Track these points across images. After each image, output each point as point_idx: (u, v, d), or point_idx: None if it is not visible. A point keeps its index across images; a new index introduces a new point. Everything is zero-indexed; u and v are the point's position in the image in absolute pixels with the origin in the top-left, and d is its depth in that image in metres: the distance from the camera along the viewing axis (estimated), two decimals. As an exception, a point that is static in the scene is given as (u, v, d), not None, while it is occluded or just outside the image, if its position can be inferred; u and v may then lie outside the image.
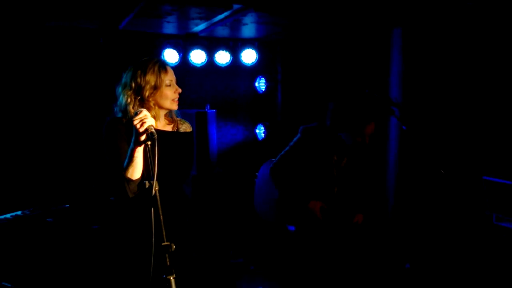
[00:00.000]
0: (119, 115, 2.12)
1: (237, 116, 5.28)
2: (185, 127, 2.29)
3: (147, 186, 1.77)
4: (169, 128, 2.23)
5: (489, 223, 3.40)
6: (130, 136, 2.00)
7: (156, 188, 1.75)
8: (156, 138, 1.82)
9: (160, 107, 2.14)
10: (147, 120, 1.89)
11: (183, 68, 4.67)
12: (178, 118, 2.29)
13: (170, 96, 2.13)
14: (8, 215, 3.18)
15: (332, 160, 3.08)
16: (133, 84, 2.09)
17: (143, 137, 1.88)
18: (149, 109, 2.07)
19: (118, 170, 1.99)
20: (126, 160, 1.97)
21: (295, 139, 3.17)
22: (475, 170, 3.66)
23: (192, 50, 4.57)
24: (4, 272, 2.99)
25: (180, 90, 2.18)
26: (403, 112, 3.38)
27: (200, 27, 4.22)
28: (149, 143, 1.83)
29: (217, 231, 4.48)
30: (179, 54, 4.48)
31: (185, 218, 2.25)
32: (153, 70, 2.10)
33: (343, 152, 3.10)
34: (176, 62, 4.49)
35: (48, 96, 4.08)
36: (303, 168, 3.12)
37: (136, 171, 1.97)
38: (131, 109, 2.07)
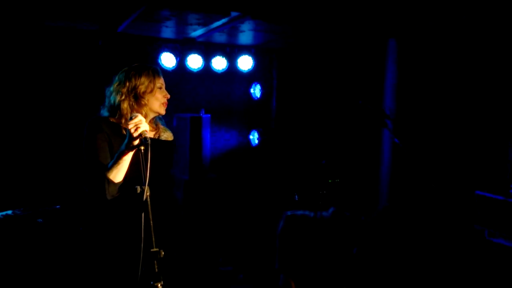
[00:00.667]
0: (105, 114, 2.14)
1: (232, 122, 5.29)
2: (167, 136, 2.31)
3: (138, 191, 1.78)
4: (151, 134, 2.22)
5: (482, 238, 3.41)
6: (114, 136, 2.02)
7: (148, 194, 1.76)
8: (149, 143, 1.83)
9: (150, 109, 2.17)
10: (141, 125, 1.91)
11: (180, 73, 4.69)
12: (162, 126, 2.32)
13: (160, 99, 2.18)
14: (-2, 214, 3.17)
15: None
16: (127, 83, 2.13)
17: (136, 142, 1.89)
18: (139, 111, 2.11)
19: (98, 169, 1.99)
20: (112, 161, 1.98)
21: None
22: (467, 185, 3.69)
23: (189, 55, 4.59)
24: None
25: (168, 96, 2.23)
26: (395, 125, 3.42)
27: (197, 32, 4.24)
28: (142, 148, 1.84)
29: (207, 237, 4.48)
30: (176, 59, 4.50)
31: (174, 223, 2.25)
32: (148, 73, 2.17)
33: None
34: (173, 67, 4.51)
35: (44, 95, 4.08)
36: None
37: (119, 173, 1.98)
38: (124, 106, 2.10)
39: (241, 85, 5.25)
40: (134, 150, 1.94)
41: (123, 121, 2.10)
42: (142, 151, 1.83)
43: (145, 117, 2.13)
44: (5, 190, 3.75)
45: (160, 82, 2.21)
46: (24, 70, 4.01)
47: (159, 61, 4.45)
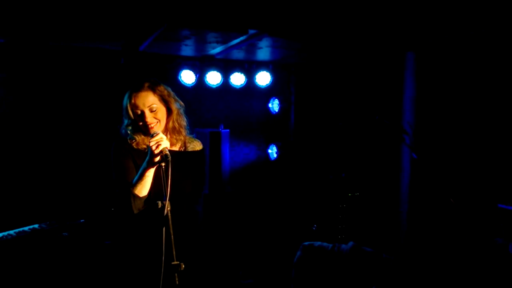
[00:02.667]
0: (127, 135, 2.21)
1: (250, 136, 5.35)
2: (193, 146, 2.33)
3: (159, 206, 1.84)
4: (175, 147, 2.27)
5: (505, 252, 3.35)
6: (138, 155, 2.11)
7: (168, 209, 1.81)
8: (170, 160, 1.90)
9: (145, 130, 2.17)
10: (162, 142, 1.97)
11: (199, 89, 4.79)
12: (188, 137, 2.33)
13: (142, 125, 2.15)
14: (26, 228, 3.28)
15: None
16: (123, 107, 2.19)
17: (157, 159, 1.96)
18: (140, 131, 2.17)
19: (125, 186, 2.07)
20: (136, 177, 2.05)
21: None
22: (490, 198, 3.64)
23: (208, 71, 4.69)
24: (19, 284, 3.07)
25: (147, 120, 2.13)
26: (414, 140, 3.40)
27: (216, 50, 4.34)
28: (163, 164, 1.91)
29: (227, 250, 4.51)
30: (196, 75, 4.60)
31: (195, 237, 2.29)
32: (125, 95, 2.17)
33: None
34: (192, 83, 4.62)
35: (69, 113, 4.23)
36: None
37: (144, 188, 2.05)
38: (128, 131, 2.18)
39: (260, 100, 5.32)
40: (156, 166, 2.00)
41: (140, 141, 2.18)
42: (163, 167, 1.90)
43: (164, 131, 2.20)
44: (32, 205, 3.88)
45: (134, 101, 2.13)
46: (52, 89, 4.17)
47: (179, 78, 4.56)
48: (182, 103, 2.29)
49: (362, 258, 3.04)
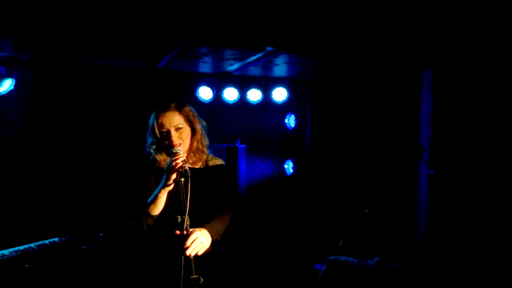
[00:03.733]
0: (150, 154, 2.27)
1: (267, 152, 5.38)
2: (214, 162, 2.38)
3: (179, 220, 1.86)
4: (197, 166, 2.33)
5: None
6: (158, 174, 2.16)
7: (188, 223, 1.84)
8: (189, 175, 1.93)
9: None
10: (179, 159, 2.00)
11: (216, 105, 4.86)
12: (209, 155, 2.39)
13: (167, 144, 2.21)
14: (46, 241, 3.34)
15: None
16: (148, 126, 2.26)
17: (174, 176, 2.00)
18: (163, 150, 2.23)
19: (142, 204, 2.13)
20: (151, 198, 2.10)
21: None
22: (508, 214, 3.58)
23: (225, 88, 4.75)
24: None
25: (173, 139, 2.18)
26: (431, 156, 3.38)
27: (233, 67, 4.41)
28: (182, 180, 1.94)
29: (245, 265, 4.50)
30: (213, 91, 4.67)
31: (213, 251, 2.31)
32: (153, 114, 2.24)
33: None
34: (210, 99, 4.68)
35: (90, 129, 4.32)
36: None
37: (156, 208, 2.10)
38: (152, 150, 2.24)
39: (276, 116, 5.35)
40: (170, 186, 2.03)
41: (162, 161, 2.24)
42: (183, 182, 1.93)
43: (188, 151, 2.26)
44: (52, 218, 3.95)
45: (161, 120, 2.20)
46: (72, 105, 4.28)
47: (197, 94, 4.63)
48: (205, 123, 2.36)
49: (388, 274, 3.00)
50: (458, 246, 3.88)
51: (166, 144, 2.22)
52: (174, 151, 2.08)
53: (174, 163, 1.99)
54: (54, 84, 4.20)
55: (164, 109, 2.23)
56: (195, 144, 2.30)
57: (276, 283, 4.64)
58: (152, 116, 2.25)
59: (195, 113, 2.32)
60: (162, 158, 2.25)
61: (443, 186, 2.89)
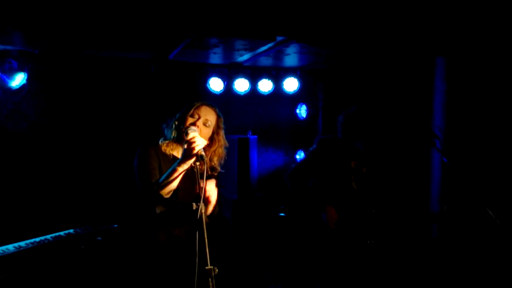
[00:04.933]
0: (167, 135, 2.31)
1: (278, 142, 5.37)
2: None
3: (194, 208, 1.85)
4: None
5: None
6: (164, 161, 2.17)
7: (203, 211, 1.80)
8: (206, 160, 1.91)
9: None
10: (198, 142, 1.99)
11: (227, 96, 4.85)
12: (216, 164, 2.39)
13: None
14: (61, 233, 3.39)
15: (349, 166, 3.22)
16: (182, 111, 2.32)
17: (192, 159, 1.98)
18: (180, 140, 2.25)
19: (149, 186, 2.09)
20: (164, 178, 2.06)
21: (311, 149, 3.39)
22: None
23: (236, 78, 4.74)
24: (54, 286, 3.16)
25: (198, 124, 2.25)
26: (445, 143, 3.35)
27: (244, 57, 4.39)
28: (197, 164, 1.94)
29: (256, 255, 4.52)
30: (224, 83, 4.66)
31: (225, 241, 2.32)
32: (193, 105, 2.32)
33: (360, 158, 3.24)
34: (220, 90, 4.67)
35: (102, 120, 4.36)
36: (320, 173, 3.30)
37: (169, 190, 2.07)
38: (171, 132, 2.29)
39: (287, 106, 5.33)
40: (188, 163, 2.01)
41: (174, 147, 2.27)
42: (198, 169, 1.92)
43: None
44: (68, 210, 4.00)
45: (199, 109, 2.30)
46: (84, 96, 4.31)
47: (208, 86, 4.63)
48: (227, 145, 2.42)
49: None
50: (471, 235, 3.85)
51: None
52: (189, 131, 2.08)
53: (191, 146, 1.98)
54: (66, 77, 4.23)
55: (207, 104, 2.34)
56: (211, 154, 2.34)
57: (290, 271, 4.65)
58: (191, 105, 2.32)
59: (223, 129, 2.41)
60: (174, 145, 2.28)
61: (456, 174, 2.86)
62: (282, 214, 4.32)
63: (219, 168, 2.38)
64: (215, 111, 2.36)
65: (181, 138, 2.20)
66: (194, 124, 2.22)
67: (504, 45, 3.67)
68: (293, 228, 4.48)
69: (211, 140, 2.32)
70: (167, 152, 2.25)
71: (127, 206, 3.37)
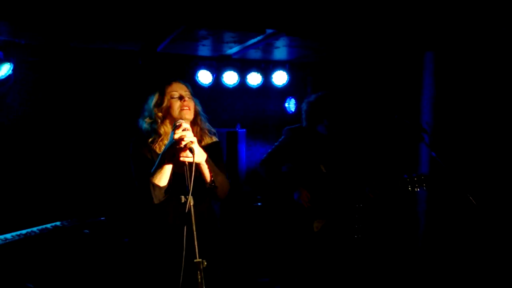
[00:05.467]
0: (148, 131, 2.28)
1: (267, 136, 5.36)
2: (209, 140, 2.36)
3: (182, 201, 1.84)
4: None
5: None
6: (154, 153, 2.16)
7: (191, 204, 1.78)
8: (194, 153, 1.88)
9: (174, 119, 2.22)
10: (187, 137, 1.95)
11: (216, 89, 4.82)
12: (205, 132, 2.37)
13: (175, 108, 2.24)
14: (48, 225, 3.34)
15: (316, 150, 3.36)
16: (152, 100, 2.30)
17: (179, 151, 1.95)
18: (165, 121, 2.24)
19: (145, 177, 2.07)
20: (155, 166, 2.04)
21: (280, 139, 3.56)
22: (509, 198, 3.59)
23: (225, 71, 4.71)
24: (40, 279, 3.14)
25: (186, 101, 2.23)
26: (433, 138, 3.38)
27: (233, 50, 4.37)
28: (187, 158, 1.91)
29: (244, 249, 4.53)
30: (213, 75, 4.63)
31: (213, 234, 2.31)
32: (159, 87, 2.31)
33: (324, 142, 3.40)
34: (209, 83, 4.64)
35: (90, 112, 4.30)
36: (290, 160, 3.47)
37: (163, 178, 2.03)
38: (152, 125, 2.27)
39: (276, 100, 5.32)
40: (176, 155, 1.98)
41: (163, 134, 2.24)
42: (187, 162, 1.90)
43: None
44: (54, 202, 3.96)
45: (172, 87, 2.27)
46: (71, 88, 4.25)
47: (196, 78, 4.59)
48: (200, 107, 2.38)
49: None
50: (458, 230, 3.90)
51: (173, 110, 2.22)
52: (178, 123, 2.02)
53: (178, 139, 1.94)
54: (53, 68, 4.16)
55: (171, 81, 2.30)
56: (198, 122, 2.31)
57: (275, 267, 4.67)
58: (157, 91, 2.29)
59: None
60: (163, 130, 2.25)
61: (444, 168, 2.90)
62: (258, 204, 4.36)
63: (206, 130, 2.36)
64: (183, 82, 2.34)
65: (172, 115, 2.21)
66: (179, 101, 2.21)
67: (493, 40, 3.71)
68: (269, 217, 4.52)
69: (194, 109, 2.30)
70: (158, 146, 2.23)
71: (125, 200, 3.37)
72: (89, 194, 4.13)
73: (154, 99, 2.28)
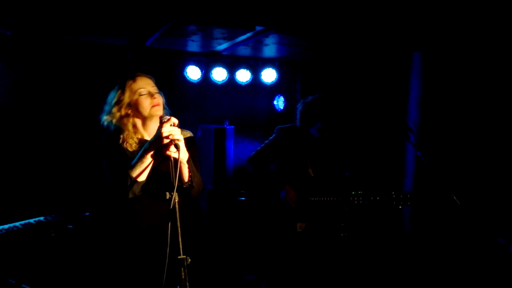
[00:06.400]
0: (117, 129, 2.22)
1: (255, 133, 5.36)
2: (184, 134, 2.28)
3: (167, 197, 1.82)
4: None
5: (506, 253, 3.36)
6: (128, 151, 2.10)
7: (176, 200, 1.75)
8: (180, 150, 1.85)
9: (144, 116, 2.17)
10: (175, 135, 1.90)
11: (205, 85, 4.81)
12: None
13: (145, 107, 2.15)
14: (31, 220, 3.30)
15: (306, 152, 3.35)
16: (114, 98, 2.23)
17: (165, 148, 1.90)
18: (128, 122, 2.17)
19: (119, 170, 2.01)
20: (135, 160, 1.98)
21: (270, 137, 3.54)
22: (493, 198, 3.64)
23: (214, 67, 4.69)
24: (23, 274, 3.10)
25: (155, 97, 2.14)
26: (420, 138, 3.41)
27: (222, 46, 4.35)
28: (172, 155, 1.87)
29: (231, 245, 4.53)
30: (201, 71, 4.61)
31: (199, 231, 2.30)
32: (123, 83, 2.19)
33: (314, 145, 3.38)
34: (198, 79, 4.62)
35: (75, 107, 4.24)
36: (279, 159, 3.46)
37: (144, 172, 1.97)
38: (118, 124, 2.20)
39: (265, 97, 5.32)
40: (158, 149, 1.93)
41: (127, 136, 2.18)
42: (172, 158, 1.87)
43: (143, 125, 2.19)
44: (38, 197, 3.90)
45: (137, 83, 2.16)
46: (57, 82, 4.19)
47: (185, 74, 4.57)
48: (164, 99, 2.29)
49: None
50: (442, 229, 3.95)
51: (142, 108, 2.14)
52: (164, 119, 1.94)
53: (169, 134, 1.88)
54: (40, 60, 4.10)
55: (134, 76, 2.18)
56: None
57: (261, 264, 4.68)
58: (118, 86, 2.19)
59: None
60: (128, 132, 2.18)
61: (429, 168, 2.93)
62: (242, 199, 4.36)
63: (187, 131, 2.28)
64: (147, 76, 2.24)
65: (141, 113, 2.14)
66: (148, 98, 2.13)
67: (480, 42, 3.75)
68: (253, 213, 4.53)
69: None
70: (129, 145, 2.17)
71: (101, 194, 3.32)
72: (74, 189, 4.08)
73: (117, 95, 2.19)
